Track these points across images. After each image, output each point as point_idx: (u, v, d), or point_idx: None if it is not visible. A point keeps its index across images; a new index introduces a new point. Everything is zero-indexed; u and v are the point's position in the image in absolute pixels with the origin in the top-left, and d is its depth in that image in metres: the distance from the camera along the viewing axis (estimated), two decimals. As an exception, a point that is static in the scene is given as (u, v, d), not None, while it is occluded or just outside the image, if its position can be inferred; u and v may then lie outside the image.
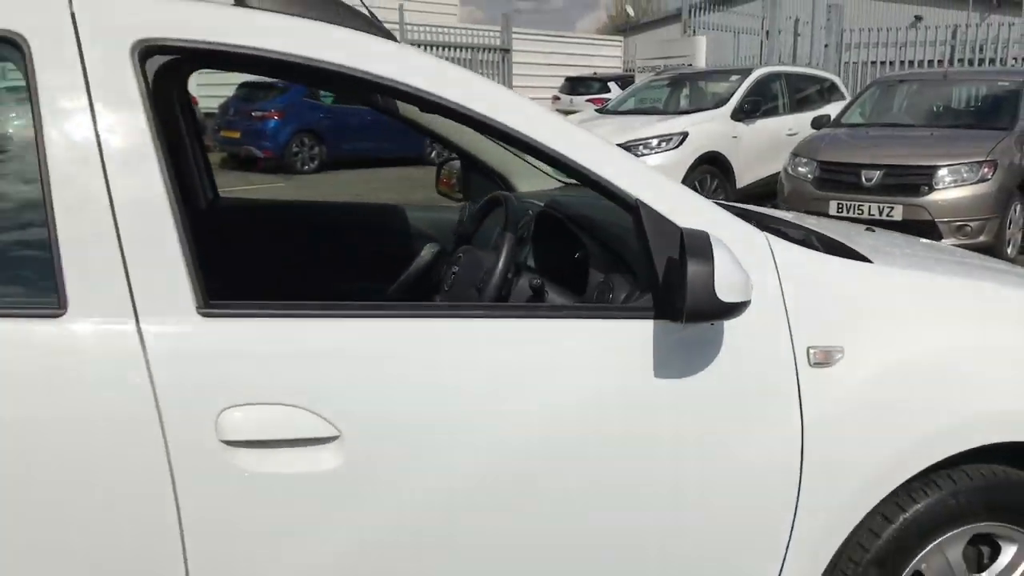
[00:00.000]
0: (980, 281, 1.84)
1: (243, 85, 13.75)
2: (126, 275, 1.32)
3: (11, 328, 1.29)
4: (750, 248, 1.56)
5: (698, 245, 1.37)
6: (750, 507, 1.56)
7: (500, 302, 1.80)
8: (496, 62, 18.24)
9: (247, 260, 2.58)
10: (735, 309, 1.39)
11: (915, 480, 1.64)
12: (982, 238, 6.19)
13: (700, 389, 1.50)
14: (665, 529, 1.54)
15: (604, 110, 10.60)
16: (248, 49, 1.42)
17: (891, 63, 13.31)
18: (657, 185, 1.53)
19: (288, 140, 13.10)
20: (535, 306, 1.70)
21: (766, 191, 8.28)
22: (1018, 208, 6.65)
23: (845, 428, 1.57)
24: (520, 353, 1.46)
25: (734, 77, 9.63)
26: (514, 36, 18.98)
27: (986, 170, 6.26)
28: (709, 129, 8.58)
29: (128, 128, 1.34)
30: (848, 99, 9.49)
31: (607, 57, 22.61)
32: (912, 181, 6.34)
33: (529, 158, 2.65)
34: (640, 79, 12.77)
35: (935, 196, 6.26)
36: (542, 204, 2.29)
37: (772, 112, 9.36)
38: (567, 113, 12.96)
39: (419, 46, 14.93)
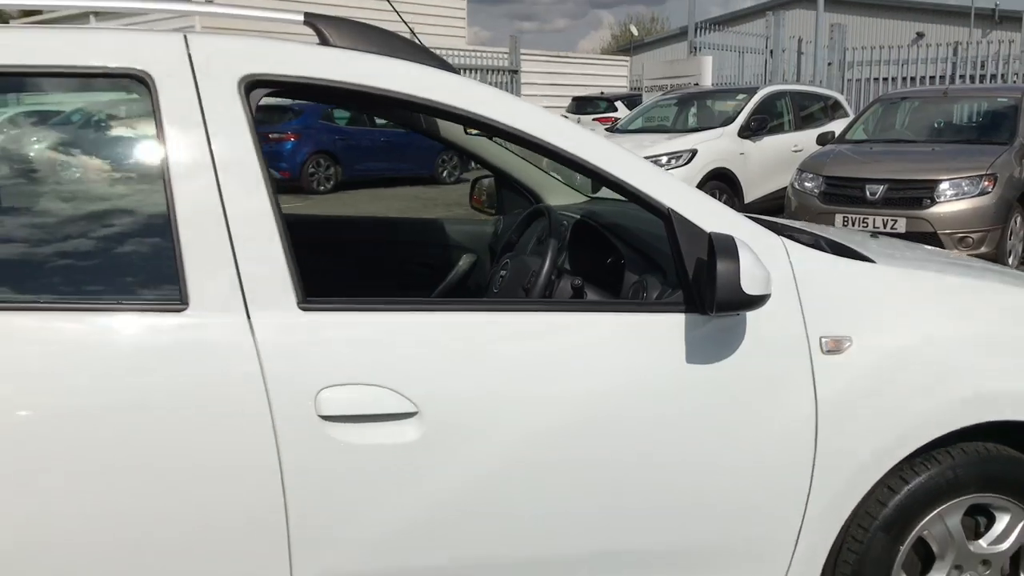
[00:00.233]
0: (973, 279, 2.05)
1: (260, 108, 13.95)
2: (238, 275, 1.55)
3: (142, 320, 1.52)
4: (768, 249, 1.78)
5: (726, 246, 1.59)
6: (768, 477, 1.76)
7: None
8: (505, 83, 18.52)
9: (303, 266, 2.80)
10: (758, 301, 1.61)
11: (917, 455, 1.85)
12: (983, 249, 6.33)
13: (725, 371, 1.72)
14: (702, 488, 1.74)
15: (614, 129, 10.80)
16: (334, 83, 1.66)
17: (894, 80, 13.45)
18: (685, 195, 1.76)
19: (304, 161, 13.29)
20: (581, 301, 1.93)
21: (772, 206, 8.45)
22: (1018, 220, 6.81)
23: (854, 408, 1.77)
24: (569, 341, 1.68)
25: (740, 96, 9.78)
26: (522, 57, 19.30)
27: (986, 183, 6.43)
28: (717, 146, 8.75)
29: (237, 149, 1.58)
30: (852, 116, 9.64)
31: (613, 76, 22.75)
32: (915, 195, 6.50)
33: (555, 174, 2.90)
34: (648, 98, 12.94)
35: (937, 209, 6.42)
36: (576, 215, 2.52)
37: (778, 129, 9.51)
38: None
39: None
